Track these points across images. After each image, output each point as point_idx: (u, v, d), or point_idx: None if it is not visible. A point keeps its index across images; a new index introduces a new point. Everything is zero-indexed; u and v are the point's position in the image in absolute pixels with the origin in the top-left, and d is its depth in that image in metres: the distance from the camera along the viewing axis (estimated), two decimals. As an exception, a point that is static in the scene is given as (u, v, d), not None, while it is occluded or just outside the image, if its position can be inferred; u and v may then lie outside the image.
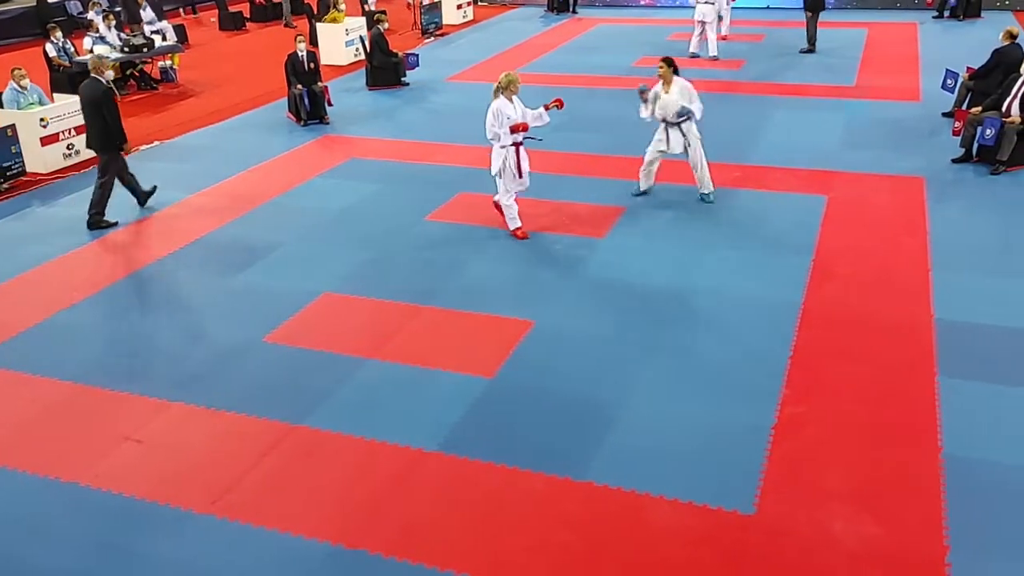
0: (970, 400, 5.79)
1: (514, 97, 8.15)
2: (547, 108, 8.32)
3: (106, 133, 9.10)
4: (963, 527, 4.68)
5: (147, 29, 16.83)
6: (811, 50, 16.44)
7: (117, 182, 9.34)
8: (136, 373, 6.45)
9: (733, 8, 18.47)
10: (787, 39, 17.45)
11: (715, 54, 16.14)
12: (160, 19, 17.92)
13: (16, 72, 11.28)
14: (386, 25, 15.01)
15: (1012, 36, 11.23)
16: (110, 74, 9.19)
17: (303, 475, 5.29)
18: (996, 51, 11.25)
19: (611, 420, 5.69)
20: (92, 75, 9.08)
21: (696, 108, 8.82)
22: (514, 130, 8.11)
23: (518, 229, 8.48)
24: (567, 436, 5.55)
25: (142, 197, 9.73)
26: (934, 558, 4.49)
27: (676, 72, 8.94)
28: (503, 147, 8.17)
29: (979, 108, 10.28)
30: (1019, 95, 9.83)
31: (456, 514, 4.92)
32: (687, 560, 4.54)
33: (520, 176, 8.27)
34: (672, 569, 4.49)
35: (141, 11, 17.65)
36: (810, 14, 16.27)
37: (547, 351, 6.55)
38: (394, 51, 15.06)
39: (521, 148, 8.25)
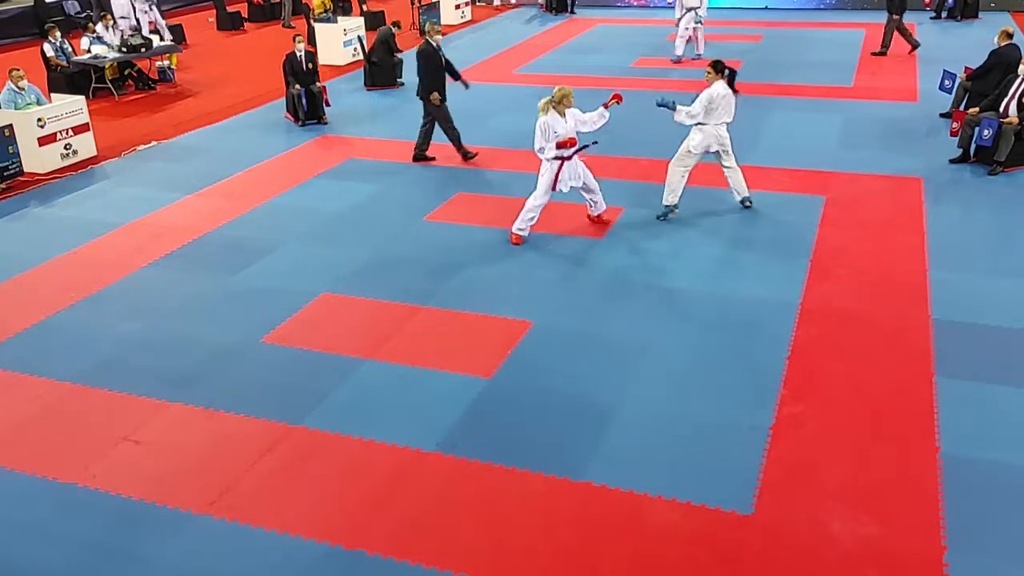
0: (968, 400, 5.80)
1: (567, 110, 8.05)
2: (606, 106, 8.23)
3: (423, 85, 10.61)
4: (961, 526, 4.69)
5: (144, 30, 16.82)
6: (886, 52, 15.95)
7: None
8: (133, 373, 6.44)
9: (732, 8, 18.49)
10: (785, 39, 17.46)
11: (700, 52, 16.24)
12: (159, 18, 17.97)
13: (14, 72, 11.27)
14: (400, 27, 15.08)
15: (1009, 36, 11.25)
16: (439, 38, 10.69)
17: (301, 475, 5.29)
18: (993, 52, 11.26)
19: (609, 420, 5.69)
20: (425, 37, 10.70)
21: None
22: (560, 146, 8.02)
23: (517, 235, 8.38)
24: (565, 436, 5.55)
25: (462, 151, 10.92)
26: (932, 557, 4.50)
27: (721, 74, 8.73)
28: (548, 160, 8.12)
29: (976, 109, 10.30)
30: (1016, 96, 9.85)
31: (454, 514, 4.92)
32: (685, 560, 4.54)
33: (554, 189, 8.21)
34: (670, 569, 4.50)
35: (144, 11, 17.69)
36: (896, 17, 15.64)
37: (545, 351, 6.55)
38: (398, 52, 15.10)
39: (567, 163, 8.12)
